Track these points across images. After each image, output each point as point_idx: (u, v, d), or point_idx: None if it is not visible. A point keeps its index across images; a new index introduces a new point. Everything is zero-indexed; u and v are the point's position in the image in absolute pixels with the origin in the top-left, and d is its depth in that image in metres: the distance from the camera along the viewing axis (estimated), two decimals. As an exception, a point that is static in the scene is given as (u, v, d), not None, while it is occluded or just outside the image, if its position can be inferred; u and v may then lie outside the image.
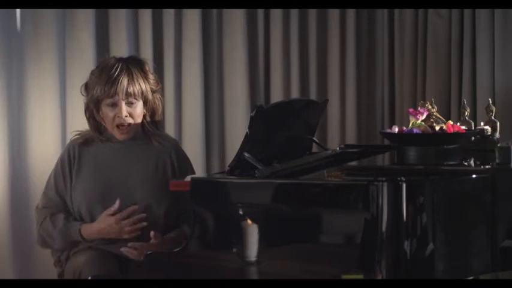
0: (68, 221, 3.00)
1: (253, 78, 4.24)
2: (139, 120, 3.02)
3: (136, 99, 2.97)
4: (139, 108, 3.00)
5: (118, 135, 3.01)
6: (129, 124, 2.99)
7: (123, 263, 2.94)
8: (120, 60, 3.01)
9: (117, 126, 2.99)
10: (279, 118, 2.90)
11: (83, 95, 3.05)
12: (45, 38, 3.77)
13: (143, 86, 2.98)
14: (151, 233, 2.89)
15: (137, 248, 2.86)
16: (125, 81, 2.94)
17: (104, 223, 2.95)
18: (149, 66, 3.07)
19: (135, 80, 2.96)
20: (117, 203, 2.93)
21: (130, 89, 2.95)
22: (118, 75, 2.94)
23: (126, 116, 2.97)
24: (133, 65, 3.00)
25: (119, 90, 2.94)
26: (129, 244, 2.88)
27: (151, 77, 3.04)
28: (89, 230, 2.97)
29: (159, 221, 3.00)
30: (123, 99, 2.95)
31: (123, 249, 2.88)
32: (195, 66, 4.09)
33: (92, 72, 3.04)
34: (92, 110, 3.02)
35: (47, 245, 3.07)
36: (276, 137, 2.92)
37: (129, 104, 2.97)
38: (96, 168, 3.02)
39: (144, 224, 2.94)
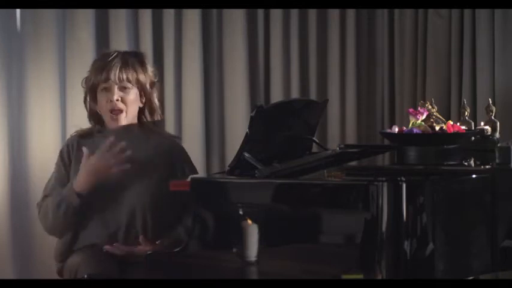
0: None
1: (253, 78, 4.24)
2: (132, 108, 3.02)
3: (130, 83, 3.00)
4: (132, 95, 3.01)
5: (110, 121, 3.02)
6: (121, 110, 3.00)
7: (122, 263, 2.95)
8: (118, 51, 3.06)
9: (110, 111, 3.00)
10: (279, 118, 2.90)
11: (83, 87, 3.07)
12: (45, 38, 3.77)
13: (139, 74, 3.01)
14: (141, 238, 2.93)
15: (121, 250, 2.92)
16: (118, 65, 2.98)
17: (88, 165, 2.92)
18: (148, 60, 3.12)
19: (130, 66, 3.00)
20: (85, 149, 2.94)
21: (123, 74, 2.98)
22: (111, 60, 2.99)
23: (117, 100, 2.98)
24: (130, 54, 3.06)
25: (111, 75, 2.97)
26: (115, 244, 2.92)
27: (149, 68, 3.07)
28: (79, 181, 2.94)
29: (153, 221, 3.00)
30: (116, 84, 2.98)
31: (107, 247, 2.91)
32: (195, 66, 4.09)
33: (91, 65, 3.09)
34: (90, 100, 3.05)
35: (46, 227, 3.07)
36: (276, 137, 2.92)
37: (122, 88, 3.00)
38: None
39: (128, 152, 2.92)
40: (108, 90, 2.99)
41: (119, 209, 2.98)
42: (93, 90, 3.03)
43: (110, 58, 3.00)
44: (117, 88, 2.99)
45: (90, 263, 2.89)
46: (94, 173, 2.93)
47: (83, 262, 2.90)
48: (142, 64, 3.05)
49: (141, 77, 3.02)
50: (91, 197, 2.97)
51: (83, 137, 3.08)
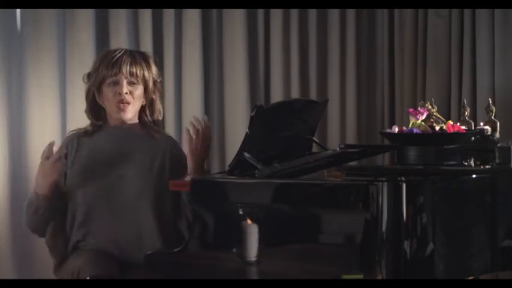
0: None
1: (253, 78, 4.24)
2: (137, 103, 3.06)
3: (137, 80, 3.04)
4: (139, 90, 3.05)
5: (116, 113, 3.03)
6: (129, 102, 3.02)
7: (122, 263, 2.95)
8: (124, 48, 3.11)
9: (117, 103, 3.01)
10: (279, 118, 2.90)
11: (84, 82, 3.08)
12: (45, 38, 3.77)
13: (145, 71, 3.06)
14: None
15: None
16: (127, 61, 3.03)
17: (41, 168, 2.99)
18: (152, 60, 3.13)
19: (138, 63, 3.05)
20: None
21: (133, 69, 3.03)
22: (121, 56, 3.03)
23: (126, 93, 3.01)
24: (136, 52, 3.12)
25: (122, 69, 3.01)
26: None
27: (153, 68, 3.11)
28: (36, 183, 2.99)
29: (154, 220, 2.99)
30: (125, 78, 3.02)
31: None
32: (195, 66, 4.09)
33: (94, 61, 3.10)
34: (93, 95, 3.06)
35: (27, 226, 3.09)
36: (276, 137, 2.92)
37: (130, 83, 3.03)
38: (91, 163, 3.02)
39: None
40: (117, 83, 3.01)
41: (121, 211, 2.98)
42: (99, 85, 3.03)
43: (120, 54, 3.04)
44: (126, 82, 3.01)
45: (93, 264, 2.88)
46: (45, 176, 2.96)
47: (86, 263, 2.89)
48: (147, 63, 3.09)
49: (147, 75, 3.06)
50: (90, 197, 2.98)
51: (81, 135, 3.08)
